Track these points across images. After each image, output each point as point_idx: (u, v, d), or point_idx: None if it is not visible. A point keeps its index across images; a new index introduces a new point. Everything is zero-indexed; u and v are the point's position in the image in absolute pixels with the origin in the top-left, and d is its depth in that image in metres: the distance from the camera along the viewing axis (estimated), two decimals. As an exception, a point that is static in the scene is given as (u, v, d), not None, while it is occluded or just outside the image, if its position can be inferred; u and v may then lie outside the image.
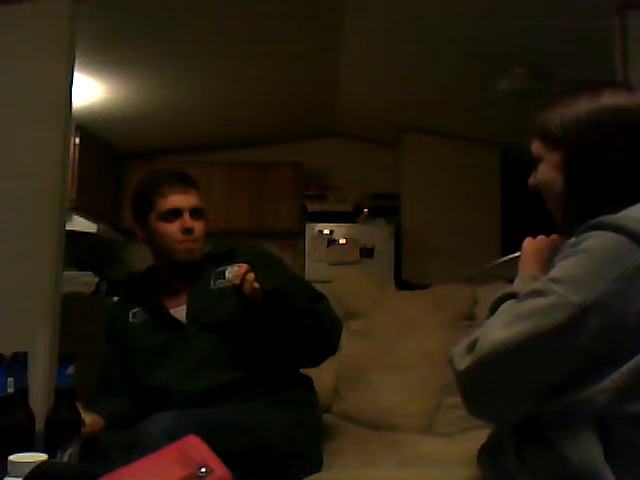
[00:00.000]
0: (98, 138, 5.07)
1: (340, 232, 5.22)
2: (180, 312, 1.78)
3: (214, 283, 1.79)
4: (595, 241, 1.00)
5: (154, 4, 3.23)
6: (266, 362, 1.71)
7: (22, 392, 1.24)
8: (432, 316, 2.19)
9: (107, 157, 5.35)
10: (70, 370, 1.22)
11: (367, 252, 5.15)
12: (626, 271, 0.97)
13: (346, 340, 2.18)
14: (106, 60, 3.80)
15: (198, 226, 1.80)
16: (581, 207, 1.11)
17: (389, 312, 2.29)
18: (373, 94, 4.57)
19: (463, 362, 1.02)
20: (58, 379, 1.23)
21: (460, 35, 3.50)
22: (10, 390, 1.21)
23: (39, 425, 1.23)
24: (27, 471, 1.01)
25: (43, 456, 1.07)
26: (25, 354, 1.24)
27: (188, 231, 1.77)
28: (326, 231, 5.23)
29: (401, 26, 3.51)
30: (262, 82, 4.31)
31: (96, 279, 4.82)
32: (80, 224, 4.74)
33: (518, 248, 1.25)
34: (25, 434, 1.20)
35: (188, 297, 1.79)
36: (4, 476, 1.04)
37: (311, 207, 5.41)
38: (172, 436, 1.20)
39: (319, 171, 5.61)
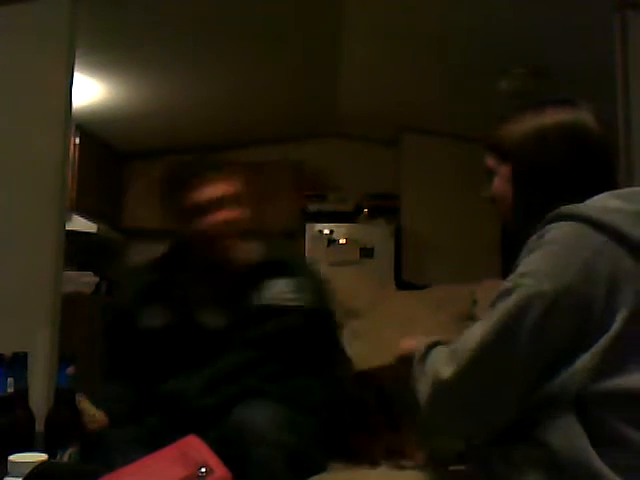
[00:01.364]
0: (98, 138, 5.07)
1: (340, 232, 5.21)
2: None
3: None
4: (557, 232, 1.06)
5: (154, 4, 3.23)
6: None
7: (22, 392, 1.24)
8: (432, 316, 2.19)
9: (107, 157, 5.34)
10: (70, 370, 1.22)
11: (367, 252, 5.14)
12: (590, 255, 1.02)
13: (346, 340, 2.18)
14: (106, 60, 3.80)
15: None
16: (528, 213, 1.18)
17: (389, 312, 2.29)
18: (373, 94, 4.57)
19: (446, 371, 1.04)
20: (58, 379, 1.23)
21: (460, 35, 3.50)
22: (10, 390, 1.21)
23: (39, 425, 1.23)
24: (27, 471, 1.01)
25: (43, 456, 1.07)
26: (25, 354, 1.24)
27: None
28: (326, 231, 5.22)
29: (401, 27, 3.51)
30: (262, 82, 4.31)
31: (96, 279, 4.82)
32: (80, 224, 4.74)
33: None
34: (25, 434, 1.20)
35: None
36: (4, 476, 1.04)
37: (311, 207, 5.40)
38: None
39: (319, 171, 5.61)
